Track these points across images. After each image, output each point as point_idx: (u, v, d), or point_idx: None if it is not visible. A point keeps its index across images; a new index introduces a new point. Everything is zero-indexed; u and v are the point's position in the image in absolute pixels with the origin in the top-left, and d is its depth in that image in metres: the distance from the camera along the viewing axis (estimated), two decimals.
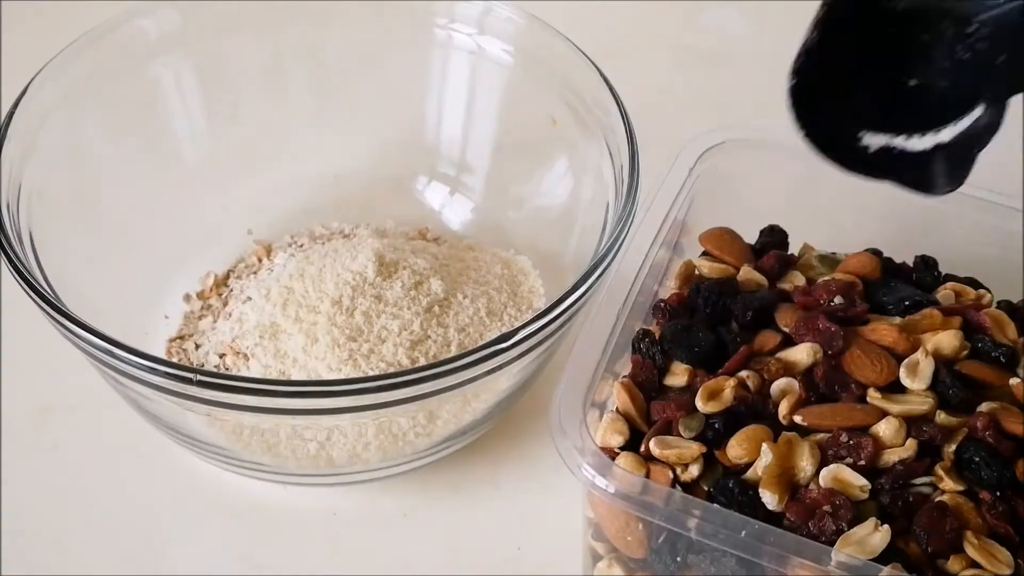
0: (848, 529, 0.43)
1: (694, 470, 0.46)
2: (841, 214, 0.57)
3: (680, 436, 0.47)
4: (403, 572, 0.56)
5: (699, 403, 0.47)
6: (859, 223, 0.57)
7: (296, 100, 0.68)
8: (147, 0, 0.63)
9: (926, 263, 0.55)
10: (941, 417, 0.46)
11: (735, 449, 0.46)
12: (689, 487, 0.46)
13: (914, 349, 0.48)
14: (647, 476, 0.46)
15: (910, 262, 0.55)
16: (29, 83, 0.58)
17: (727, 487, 0.45)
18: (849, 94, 0.43)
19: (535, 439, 0.60)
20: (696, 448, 0.46)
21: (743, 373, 0.48)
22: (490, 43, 0.65)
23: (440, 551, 0.57)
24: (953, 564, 0.43)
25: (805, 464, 0.45)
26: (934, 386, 0.47)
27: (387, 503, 0.58)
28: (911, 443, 0.45)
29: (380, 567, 0.56)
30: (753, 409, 0.47)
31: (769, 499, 0.44)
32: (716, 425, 0.47)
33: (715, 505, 0.44)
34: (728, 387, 0.47)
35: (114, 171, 0.63)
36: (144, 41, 0.63)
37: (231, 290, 0.63)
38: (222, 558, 0.56)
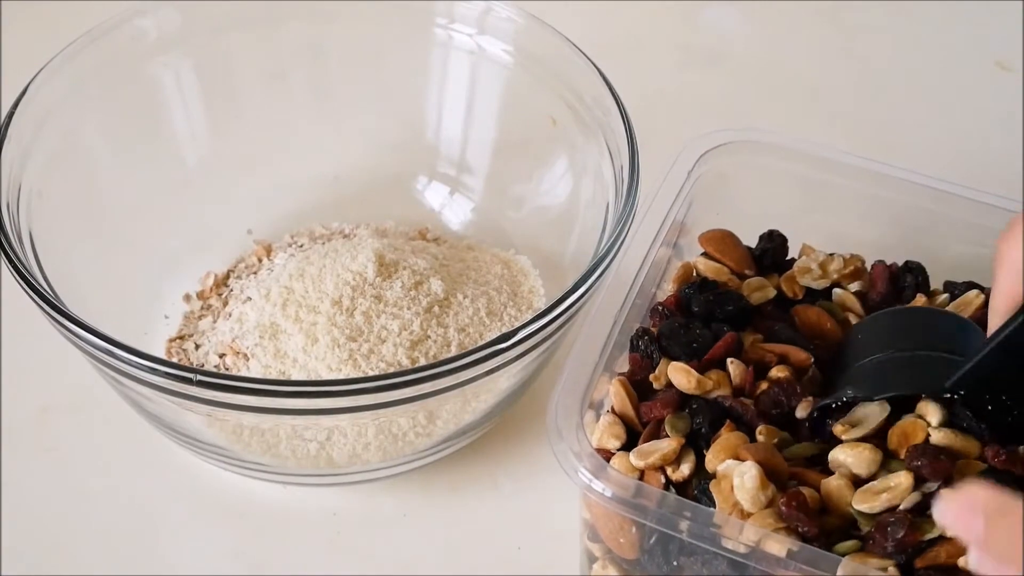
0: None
1: (685, 469, 0.46)
2: (840, 216, 0.57)
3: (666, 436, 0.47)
4: (403, 572, 0.56)
5: (673, 377, 0.48)
6: (859, 224, 0.57)
7: (296, 100, 0.68)
8: (147, 0, 0.63)
9: (909, 268, 0.55)
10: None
11: (713, 463, 0.46)
12: (682, 487, 0.46)
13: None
14: (641, 478, 0.46)
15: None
16: (29, 83, 0.58)
17: (708, 489, 0.45)
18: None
19: (535, 440, 0.60)
20: (676, 443, 0.46)
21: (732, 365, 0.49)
22: (490, 43, 0.65)
23: (440, 551, 0.57)
24: None
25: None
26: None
27: (387, 503, 0.58)
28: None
29: (380, 567, 0.56)
30: (733, 412, 0.48)
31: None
32: (702, 428, 0.47)
33: (711, 509, 0.44)
34: (711, 381, 0.48)
35: (114, 171, 0.63)
36: (144, 41, 0.63)
37: (231, 290, 0.63)
38: (221, 558, 0.56)
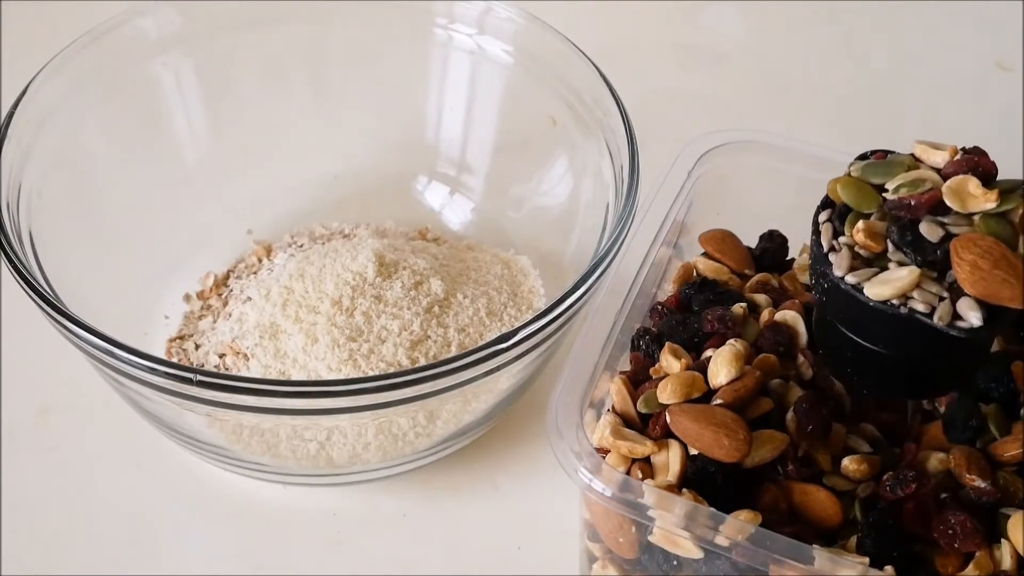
0: None
1: (671, 477, 0.46)
2: None
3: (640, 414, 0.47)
4: (403, 572, 0.56)
5: (664, 360, 0.48)
6: None
7: (296, 100, 0.68)
8: (147, 0, 0.63)
9: None
10: None
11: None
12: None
13: None
14: (628, 472, 0.46)
15: None
16: (29, 83, 0.58)
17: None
18: None
19: (534, 440, 0.60)
20: (650, 446, 0.46)
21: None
22: (490, 43, 0.65)
23: (440, 551, 0.57)
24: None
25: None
26: None
27: (387, 503, 0.58)
28: None
29: (380, 567, 0.56)
30: None
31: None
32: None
33: (710, 508, 0.44)
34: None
35: (114, 171, 0.63)
36: (144, 41, 0.63)
37: (231, 290, 0.63)
38: (221, 558, 0.56)
